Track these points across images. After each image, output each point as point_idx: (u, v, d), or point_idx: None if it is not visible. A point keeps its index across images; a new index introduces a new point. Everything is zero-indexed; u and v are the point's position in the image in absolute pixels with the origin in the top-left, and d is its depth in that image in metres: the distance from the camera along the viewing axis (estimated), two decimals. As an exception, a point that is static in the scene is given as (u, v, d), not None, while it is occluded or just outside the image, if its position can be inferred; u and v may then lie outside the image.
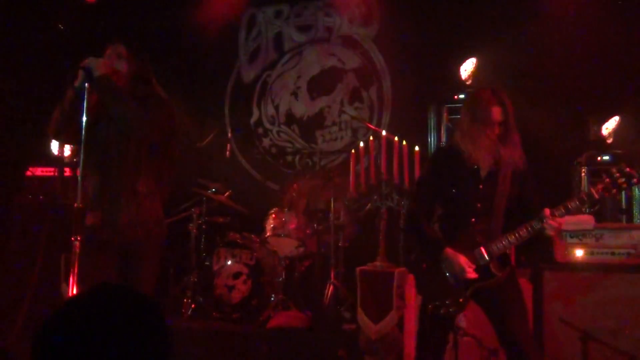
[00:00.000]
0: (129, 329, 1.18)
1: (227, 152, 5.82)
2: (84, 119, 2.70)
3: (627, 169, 2.71)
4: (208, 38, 6.46)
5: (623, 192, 4.44)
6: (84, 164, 2.71)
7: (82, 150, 2.67)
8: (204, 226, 5.49)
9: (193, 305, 5.09)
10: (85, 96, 2.71)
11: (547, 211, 2.74)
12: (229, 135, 6.29)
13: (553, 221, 2.73)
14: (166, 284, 5.33)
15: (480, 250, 2.83)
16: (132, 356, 1.16)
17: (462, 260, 2.80)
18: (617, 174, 2.71)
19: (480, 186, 2.89)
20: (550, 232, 2.75)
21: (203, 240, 5.45)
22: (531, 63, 5.31)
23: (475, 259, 2.83)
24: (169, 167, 3.07)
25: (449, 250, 2.83)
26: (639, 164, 2.81)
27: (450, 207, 2.95)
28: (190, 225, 5.40)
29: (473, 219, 2.87)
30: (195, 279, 5.19)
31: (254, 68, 6.84)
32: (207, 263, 5.24)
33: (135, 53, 3.00)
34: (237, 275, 5.02)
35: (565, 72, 5.20)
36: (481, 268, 2.83)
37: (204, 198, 5.46)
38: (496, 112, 2.82)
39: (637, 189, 4.45)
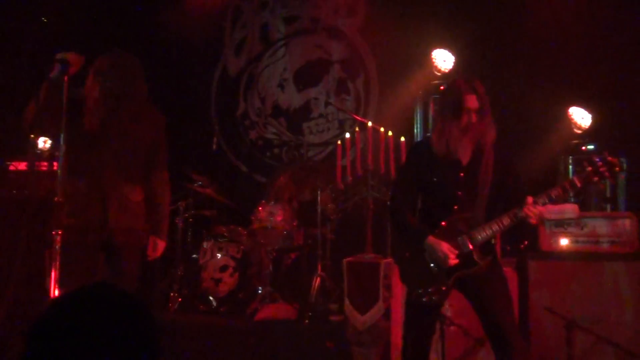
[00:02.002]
0: (119, 328, 1.19)
1: (214, 145, 5.80)
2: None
3: (609, 158, 2.75)
4: (193, 30, 6.41)
5: (607, 181, 4.50)
6: (70, 163, 2.75)
7: (61, 145, 2.67)
8: (190, 219, 5.48)
9: (179, 299, 5.08)
10: (64, 90, 2.71)
11: (530, 199, 2.77)
12: (216, 127, 6.27)
13: (536, 209, 2.75)
14: (152, 277, 5.31)
15: (464, 238, 2.85)
16: (122, 355, 1.17)
17: (445, 247, 2.82)
18: (600, 163, 2.74)
19: (461, 174, 2.90)
20: (533, 220, 2.77)
21: (189, 233, 5.44)
22: (517, 53, 5.33)
23: (458, 247, 2.85)
24: (160, 173, 3.23)
25: (431, 239, 2.85)
26: (621, 153, 2.85)
27: (432, 196, 2.97)
28: (177, 218, 5.38)
29: (455, 207, 2.89)
30: (182, 273, 5.18)
31: (240, 61, 6.81)
32: (194, 256, 5.22)
33: (121, 69, 3.02)
34: (224, 268, 5.02)
35: (550, 61, 5.23)
36: (464, 256, 2.85)
37: (191, 191, 5.44)
38: (470, 100, 2.83)
39: (621, 178, 4.50)
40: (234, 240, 5.13)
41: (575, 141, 4.75)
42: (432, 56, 4.81)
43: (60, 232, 2.57)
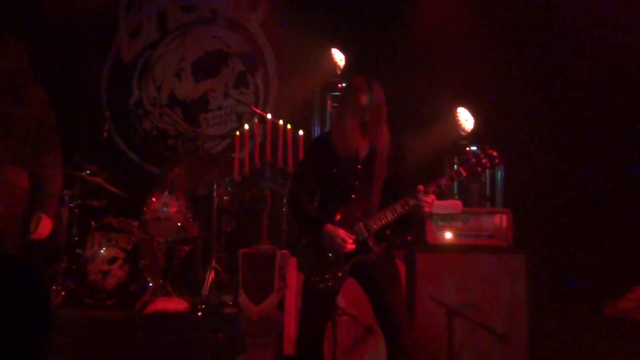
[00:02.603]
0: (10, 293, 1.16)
1: (104, 132, 5.57)
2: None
3: (490, 151, 2.99)
4: (85, 11, 6.11)
5: (487, 181, 4.87)
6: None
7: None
8: (76, 210, 5.23)
9: (63, 293, 4.85)
10: None
11: (420, 187, 2.95)
12: (107, 114, 6.02)
13: (426, 197, 2.93)
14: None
15: (359, 226, 2.98)
16: (16, 322, 1.14)
17: (342, 234, 2.93)
18: (482, 155, 2.99)
19: (359, 166, 3.05)
20: (424, 207, 2.94)
21: (75, 224, 5.19)
22: (408, 54, 5.57)
23: (354, 234, 2.98)
24: (49, 156, 3.10)
25: (329, 226, 2.96)
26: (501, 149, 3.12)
27: (330, 186, 3.09)
28: (61, 207, 5.11)
29: (353, 196, 3.02)
30: (66, 265, 4.94)
31: (135, 46, 6.59)
32: (78, 251, 5.00)
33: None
34: (112, 261, 4.87)
35: (440, 63, 5.50)
36: (360, 243, 2.98)
37: (77, 179, 5.19)
38: (365, 99, 2.98)
39: (499, 177, 4.89)
40: (124, 232, 4.97)
41: (461, 142, 5.08)
42: (331, 53, 4.94)
43: None
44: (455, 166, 4.66)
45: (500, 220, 4.33)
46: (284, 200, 4.57)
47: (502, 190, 4.80)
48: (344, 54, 4.98)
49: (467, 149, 5.03)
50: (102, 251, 4.89)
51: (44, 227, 3.07)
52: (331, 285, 2.98)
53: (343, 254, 2.96)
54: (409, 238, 4.39)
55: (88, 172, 5.28)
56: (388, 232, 3.09)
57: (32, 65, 3.09)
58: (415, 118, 5.25)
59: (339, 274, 2.98)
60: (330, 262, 2.98)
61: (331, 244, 2.95)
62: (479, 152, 3.03)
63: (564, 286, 4.66)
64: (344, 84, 4.94)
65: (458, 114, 4.95)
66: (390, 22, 5.62)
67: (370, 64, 5.17)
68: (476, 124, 4.88)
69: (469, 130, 4.92)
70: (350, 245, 2.93)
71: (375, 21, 5.68)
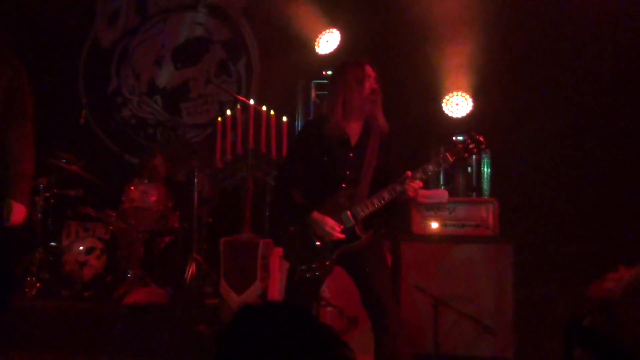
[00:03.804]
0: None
1: (82, 119, 5.48)
2: None
3: (477, 136, 3.00)
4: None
5: (474, 171, 4.88)
6: None
7: None
8: (52, 200, 5.14)
9: (38, 284, 4.78)
10: None
11: (408, 173, 2.95)
12: (84, 101, 5.93)
13: (413, 182, 2.93)
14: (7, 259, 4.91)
15: (347, 213, 2.97)
16: None
17: (330, 222, 2.93)
18: (469, 140, 3.00)
19: (350, 154, 3.04)
20: (410, 193, 2.94)
21: (51, 213, 5.11)
22: (400, 38, 5.53)
23: (342, 222, 2.96)
24: (19, 126, 2.90)
25: (316, 214, 2.95)
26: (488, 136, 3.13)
27: (320, 174, 3.07)
28: (37, 197, 5.02)
29: (343, 185, 3.01)
30: (41, 255, 4.86)
31: (113, 32, 6.50)
32: (53, 243, 4.94)
33: None
34: (90, 251, 4.81)
35: (433, 48, 5.45)
36: (347, 231, 2.97)
37: (53, 167, 5.10)
38: (369, 68, 2.99)
39: (486, 168, 4.90)
40: (102, 221, 4.90)
41: (449, 132, 5.07)
42: (317, 38, 4.90)
43: None
44: (443, 152, 4.65)
45: (487, 210, 4.35)
46: (267, 187, 4.53)
47: (489, 179, 4.81)
48: (340, 34, 4.93)
49: (454, 138, 5.05)
50: (79, 241, 4.82)
51: (17, 214, 2.88)
52: (319, 274, 2.97)
53: (330, 242, 2.94)
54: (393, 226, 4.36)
55: (64, 160, 5.19)
56: (376, 220, 3.09)
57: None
58: (402, 106, 5.23)
59: (327, 263, 2.97)
60: (318, 250, 2.97)
61: (319, 232, 2.94)
62: (466, 137, 3.05)
63: (551, 276, 4.68)
64: (330, 72, 4.91)
65: (448, 102, 4.94)
66: (383, 3, 5.57)
67: (362, 47, 5.11)
68: (468, 110, 4.88)
69: (458, 117, 4.91)
70: (338, 235, 2.92)
71: (368, 2, 5.62)
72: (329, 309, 4.02)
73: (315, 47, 4.95)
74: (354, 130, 3.06)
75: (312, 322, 1.27)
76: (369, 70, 3.05)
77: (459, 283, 4.15)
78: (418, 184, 2.94)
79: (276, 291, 4.07)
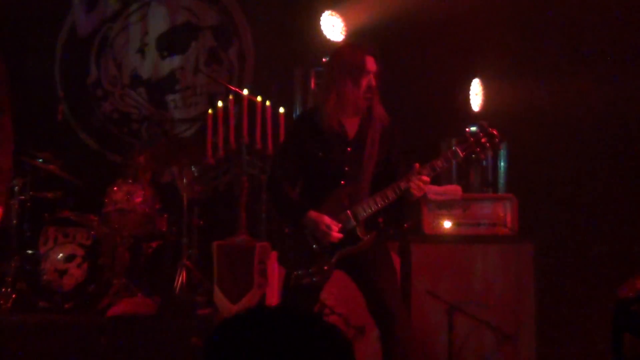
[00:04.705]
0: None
1: (59, 115, 5.49)
2: None
3: (490, 129, 2.99)
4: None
5: (489, 165, 4.87)
6: None
7: None
8: (28, 203, 5.15)
9: (14, 295, 4.78)
10: None
11: (416, 165, 2.93)
12: (61, 95, 5.94)
13: (419, 180, 2.90)
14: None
15: (347, 213, 2.96)
16: None
17: (328, 222, 2.91)
18: (481, 134, 2.98)
19: (349, 149, 3.02)
20: (415, 191, 2.92)
21: (27, 218, 5.11)
22: (400, 24, 5.52)
23: (341, 222, 2.95)
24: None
25: (312, 213, 2.93)
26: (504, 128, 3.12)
27: (316, 171, 3.06)
28: (11, 200, 5.03)
29: (342, 182, 3.00)
30: (17, 264, 4.86)
31: (92, 19, 6.51)
32: (29, 251, 4.92)
33: None
34: (70, 258, 4.82)
35: (448, 37, 5.45)
36: (348, 232, 2.95)
37: (29, 167, 5.10)
38: (370, 61, 2.96)
39: (502, 161, 4.90)
40: (83, 226, 4.90)
41: (457, 123, 5.07)
42: (320, 22, 4.89)
43: None
44: (453, 146, 4.66)
45: (505, 207, 4.36)
46: (263, 186, 4.53)
47: (506, 173, 4.82)
48: (342, 19, 4.92)
49: (467, 129, 5.04)
50: (58, 247, 4.83)
51: None
52: (316, 280, 2.96)
53: (329, 245, 2.93)
54: (405, 226, 4.37)
55: (41, 159, 5.20)
56: (380, 219, 3.08)
57: None
58: (413, 96, 5.23)
59: (325, 267, 2.96)
60: (315, 254, 2.96)
61: (315, 233, 2.92)
62: (478, 130, 3.03)
63: (577, 279, 4.68)
64: (328, 58, 4.91)
65: (466, 89, 4.94)
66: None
67: (370, 30, 5.10)
68: (483, 102, 4.88)
69: (476, 106, 4.92)
70: (337, 234, 2.91)
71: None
72: (333, 317, 4.03)
73: (321, 29, 4.92)
74: (351, 122, 3.05)
75: (316, 325, 1.26)
76: (369, 63, 2.99)
77: (475, 287, 4.16)
78: (425, 179, 2.92)
79: (275, 299, 4.08)
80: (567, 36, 5.26)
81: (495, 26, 5.34)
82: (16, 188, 5.07)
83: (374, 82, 2.99)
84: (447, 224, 4.36)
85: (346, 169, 3.01)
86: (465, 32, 5.29)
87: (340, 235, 2.92)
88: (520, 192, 4.47)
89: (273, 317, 1.26)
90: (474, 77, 5.03)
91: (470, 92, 4.97)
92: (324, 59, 5.06)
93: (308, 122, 3.11)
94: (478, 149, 3.02)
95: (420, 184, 2.92)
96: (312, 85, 5.15)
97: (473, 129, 5.01)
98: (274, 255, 4.03)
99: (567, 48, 5.26)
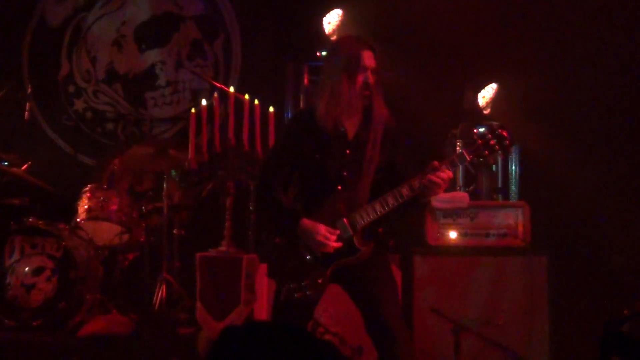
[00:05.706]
0: None
1: (26, 113, 5.51)
2: None
3: (499, 131, 3.01)
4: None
5: (499, 170, 4.91)
6: None
7: None
8: (-9, 211, 5.18)
9: (-24, 313, 4.78)
10: None
11: (435, 163, 2.94)
12: (28, 91, 5.95)
13: (441, 172, 2.90)
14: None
15: (343, 221, 2.98)
16: None
17: (321, 229, 2.93)
18: (489, 136, 3.00)
19: (348, 151, 3.05)
20: (435, 187, 2.90)
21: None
22: (403, 21, 5.58)
23: (337, 231, 2.97)
24: None
25: (306, 221, 2.95)
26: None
27: (313, 176, 3.08)
28: (-27, 207, 5.06)
29: (339, 187, 3.02)
30: (-20, 278, 4.88)
31: (64, 8, 6.56)
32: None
33: None
34: (38, 271, 4.81)
35: (441, 34, 5.52)
36: (344, 242, 2.98)
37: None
38: (368, 56, 2.99)
39: (514, 166, 4.94)
40: (53, 235, 4.91)
41: (465, 123, 5.11)
42: (308, 17, 4.94)
43: None
44: (459, 149, 4.69)
45: (515, 215, 4.39)
46: (251, 192, 4.56)
47: (518, 180, 4.85)
48: (341, 11, 4.96)
49: (475, 130, 5.09)
50: (24, 259, 4.82)
51: None
52: (309, 294, 2.97)
53: (323, 256, 2.95)
54: (391, 243, 4.36)
55: (5, 162, 5.23)
56: (380, 229, 3.10)
57: None
58: (413, 96, 5.27)
59: (319, 281, 2.98)
60: (309, 266, 2.98)
61: (310, 243, 2.94)
62: (487, 132, 3.05)
63: (593, 294, 4.72)
64: (324, 53, 4.96)
65: (467, 92, 5.00)
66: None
67: (370, 24, 5.14)
68: (495, 100, 4.93)
69: (483, 105, 4.96)
70: (333, 244, 2.93)
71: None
72: (327, 337, 4.06)
73: (316, 21, 4.97)
74: (350, 121, 3.07)
75: (310, 341, 1.29)
76: (366, 58, 3.01)
77: (483, 304, 4.20)
78: (448, 173, 2.91)
79: (264, 317, 4.11)
80: (590, 38, 5.31)
81: (509, 25, 5.41)
82: (-22, 194, 5.10)
83: (371, 79, 3.01)
84: (452, 235, 4.39)
85: (344, 173, 3.03)
86: (477, 30, 5.35)
87: (337, 244, 2.95)
88: (533, 200, 4.51)
89: (267, 332, 1.30)
90: (484, 77, 5.08)
91: (480, 93, 5.02)
92: (318, 53, 5.12)
93: (305, 121, 3.13)
94: (486, 152, 3.03)
95: (440, 179, 2.88)
96: (305, 81, 5.20)
97: (481, 130, 5.08)
98: (262, 268, 4.06)
99: (590, 49, 5.31)
